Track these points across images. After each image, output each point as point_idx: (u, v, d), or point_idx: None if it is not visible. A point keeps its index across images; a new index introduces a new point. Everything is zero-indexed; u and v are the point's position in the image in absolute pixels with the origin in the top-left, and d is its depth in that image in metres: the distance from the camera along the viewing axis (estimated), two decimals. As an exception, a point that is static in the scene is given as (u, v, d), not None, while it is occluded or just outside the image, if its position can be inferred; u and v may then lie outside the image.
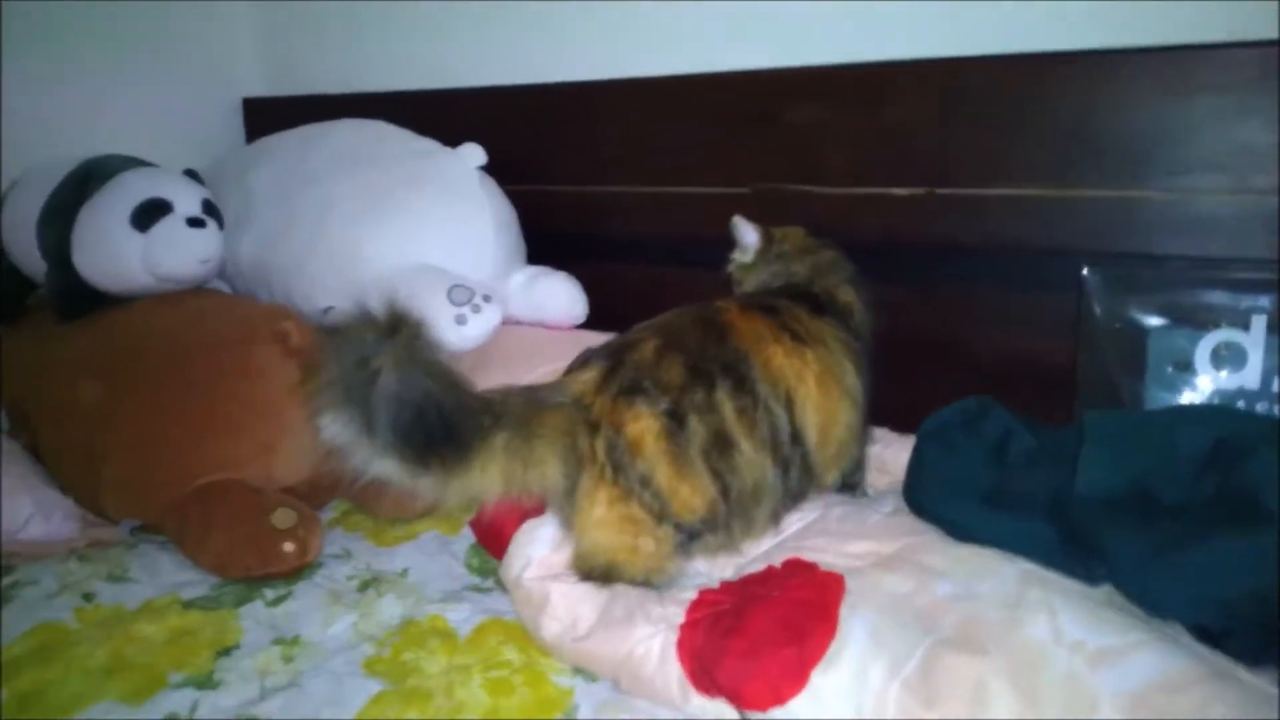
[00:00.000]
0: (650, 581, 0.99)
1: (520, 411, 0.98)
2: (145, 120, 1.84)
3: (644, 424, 0.97)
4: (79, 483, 1.28)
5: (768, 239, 1.26)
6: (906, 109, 1.32)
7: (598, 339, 1.37)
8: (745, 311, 1.08)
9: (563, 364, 1.32)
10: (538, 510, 1.08)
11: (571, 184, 1.63)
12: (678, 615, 0.92)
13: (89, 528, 1.28)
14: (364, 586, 1.13)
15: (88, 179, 1.37)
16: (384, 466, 0.93)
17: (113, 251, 1.35)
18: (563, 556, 1.03)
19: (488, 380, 1.35)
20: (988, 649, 0.80)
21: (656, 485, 0.97)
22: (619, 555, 0.98)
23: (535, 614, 0.99)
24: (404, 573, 1.17)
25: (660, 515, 0.97)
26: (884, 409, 1.25)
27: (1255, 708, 0.73)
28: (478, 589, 1.14)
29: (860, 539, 1.02)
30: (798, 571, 0.96)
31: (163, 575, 1.16)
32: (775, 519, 1.06)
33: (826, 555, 1.00)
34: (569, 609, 0.97)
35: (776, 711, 0.82)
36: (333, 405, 0.91)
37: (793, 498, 1.07)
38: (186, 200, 1.38)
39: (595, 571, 1.00)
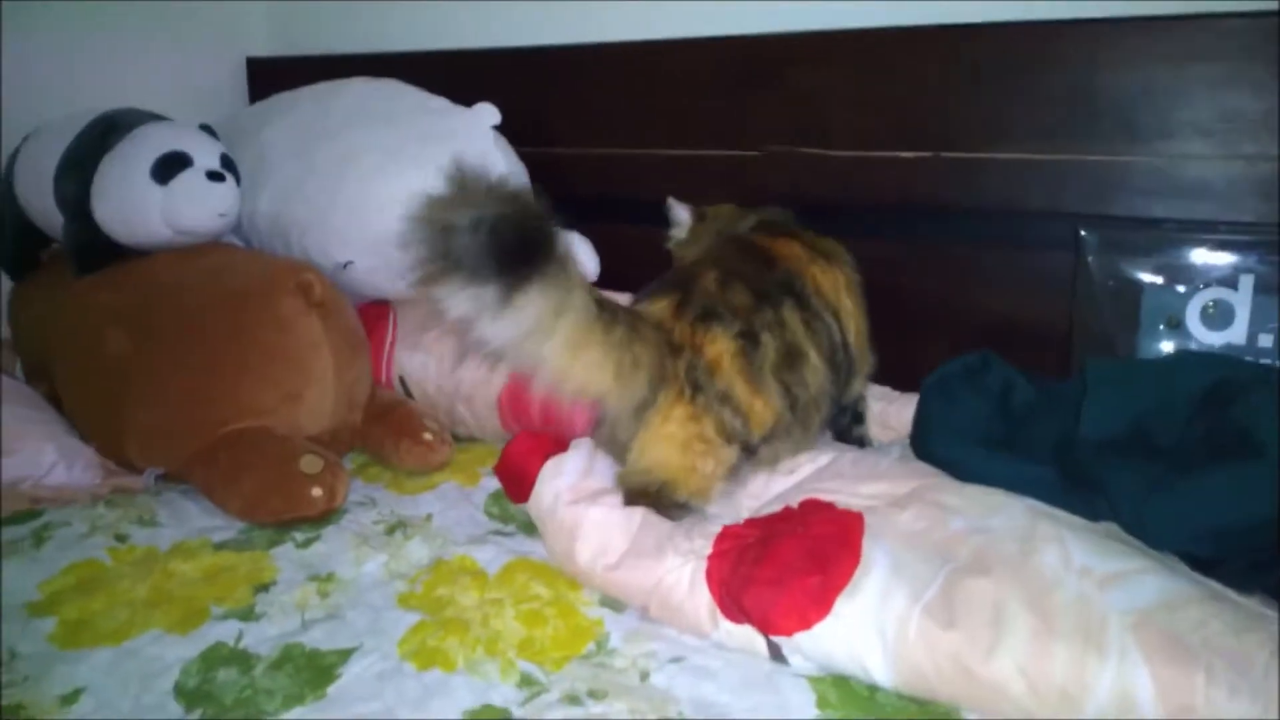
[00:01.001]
0: (690, 505, 1.05)
1: (630, 316, 1.04)
2: (149, 79, 1.84)
3: (721, 345, 1.04)
4: (102, 431, 1.30)
5: (700, 217, 1.36)
6: (912, 74, 1.37)
7: (611, 298, 1.41)
8: (777, 238, 1.19)
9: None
10: (560, 448, 1.14)
11: (578, 146, 1.66)
12: (705, 547, 0.97)
13: (110, 476, 1.30)
14: (391, 530, 1.17)
15: (108, 131, 1.38)
16: (516, 320, 0.93)
17: (133, 203, 1.36)
18: (592, 483, 1.07)
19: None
20: (1003, 575, 0.86)
21: (735, 401, 1.04)
22: (678, 474, 1.04)
23: (568, 542, 1.03)
24: (428, 518, 1.20)
25: (731, 434, 1.04)
26: (886, 367, 1.30)
27: (1251, 623, 0.79)
28: (500, 533, 1.17)
29: (873, 481, 1.07)
30: (817, 510, 1.01)
31: (190, 520, 1.19)
32: (823, 426, 1.18)
33: (841, 496, 1.05)
34: (600, 536, 1.02)
35: (801, 635, 0.87)
36: (449, 275, 0.91)
37: (838, 405, 1.20)
38: (205, 154, 1.39)
39: (648, 488, 1.04)
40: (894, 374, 1.33)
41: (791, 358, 1.08)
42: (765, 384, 1.05)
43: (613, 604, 1.01)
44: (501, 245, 0.91)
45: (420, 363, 1.43)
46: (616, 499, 1.06)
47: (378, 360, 1.45)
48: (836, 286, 1.17)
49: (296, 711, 0.82)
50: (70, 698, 0.83)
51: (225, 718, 0.81)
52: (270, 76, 1.97)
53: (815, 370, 1.10)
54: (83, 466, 1.28)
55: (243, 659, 0.89)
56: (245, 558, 1.09)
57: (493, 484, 1.29)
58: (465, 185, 0.93)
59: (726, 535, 0.98)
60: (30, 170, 1.50)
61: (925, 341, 1.36)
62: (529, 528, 1.17)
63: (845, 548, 0.91)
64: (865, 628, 0.85)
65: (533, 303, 0.93)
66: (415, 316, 1.47)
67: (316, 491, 1.16)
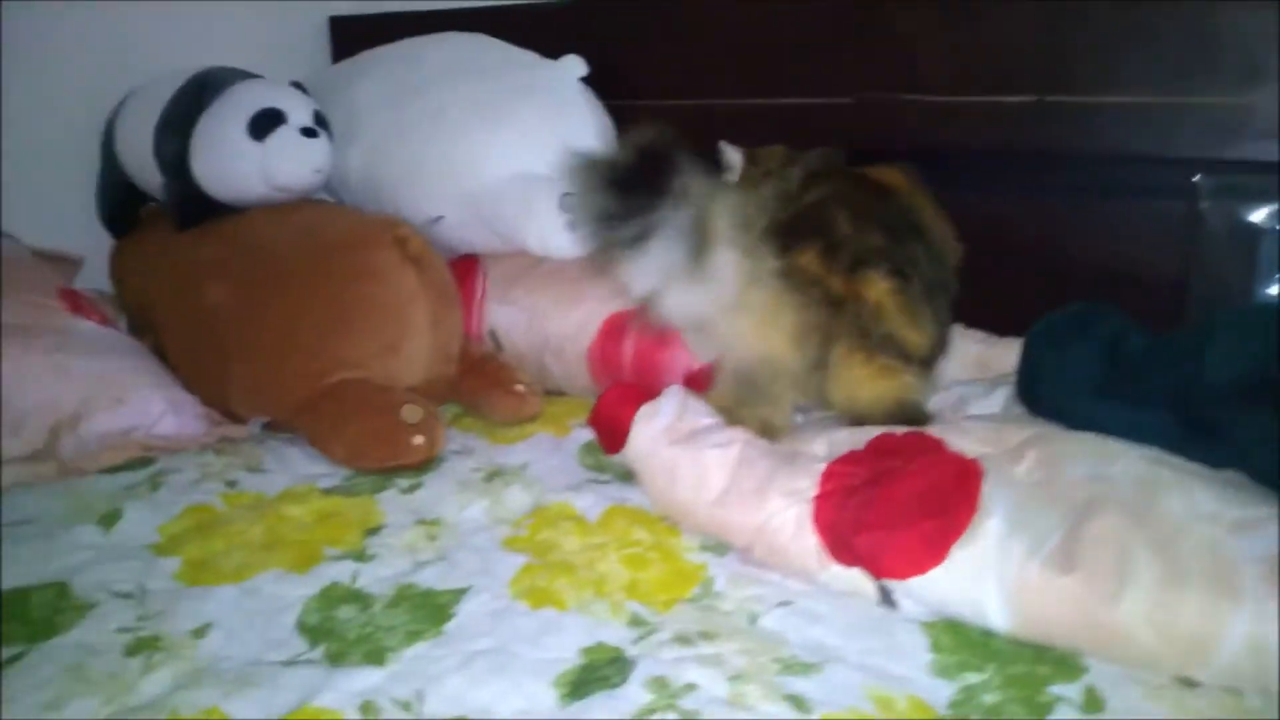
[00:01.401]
0: (920, 415, 1.13)
1: (797, 278, 1.09)
2: (234, 39, 1.85)
3: (879, 288, 1.10)
4: (206, 382, 1.33)
5: (751, 160, 1.37)
6: (1015, 15, 1.32)
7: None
8: (880, 170, 1.22)
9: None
10: (652, 397, 1.14)
11: (663, 98, 1.64)
12: (809, 488, 0.96)
13: (215, 425, 1.33)
14: (489, 478, 1.18)
15: (203, 89, 1.40)
16: (707, 289, 1.01)
17: (230, 160, 1.39)
18: (687, 424, 1.08)
19: (596, 286, 1.39)
20: (1127, 521, 0.83)
21: (900, 339, 1.11)
22: (891, 398, 1.12)
23: (667, 482, 1.04)
24: (524, 466, 1.21)
25: (907, 360, 1.12)
26: (986, 316, 1.27)
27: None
28: (596, 481, 1.18)
29: (980, 430, 1.05)
30: (925, 449, 0.99)
31: (296, 467, 1.22)
32: None
33: (949, 439, 1.03)
34: (699, 473, 1.02)
35: (916, 580, 0.86)
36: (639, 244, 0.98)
37: None
38: (299, 111, 1.41)
39: (876, 418, 1.10)
40: (992, 323, 1.30)
41: (932, 291, 1.14)
42: (923, 316, 1.12)
43: (715, 548, 1.01)
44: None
45: (510, 316, 1.44)
46: (714, 438, 1.06)
47: (468, 314, 1.46)
48: (934, 217, 1.22)
49: (417, 647, 0.83)
50: (200, 631, 0.86)
51: (350, 651, 0.82)
52: (352, 34, 1.98)
53: (946, 304, 1.17)
54: (190, 416, 1.32)
55: (360, 598, 0.91)
56: (353, 503, 1.11)
57: (584, 435, 1.30)
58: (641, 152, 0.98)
59: (832, 475, 0.97)
60: (129, 130, 1.53)
61: (1027, 292, 1.32)
62: (625, 476, 1.18)
63: (963, 494, 0.89)
64: (983, 574, 0.84)
65: (727, 270, 0.98)
66: (505, 271, 1.47)
67: (418, 439, 1.18)
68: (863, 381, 1.11)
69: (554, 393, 1.44)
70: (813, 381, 1.13)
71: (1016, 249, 1.35)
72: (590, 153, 0.99)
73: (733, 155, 1.39)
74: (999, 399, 1.20)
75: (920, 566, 0.86)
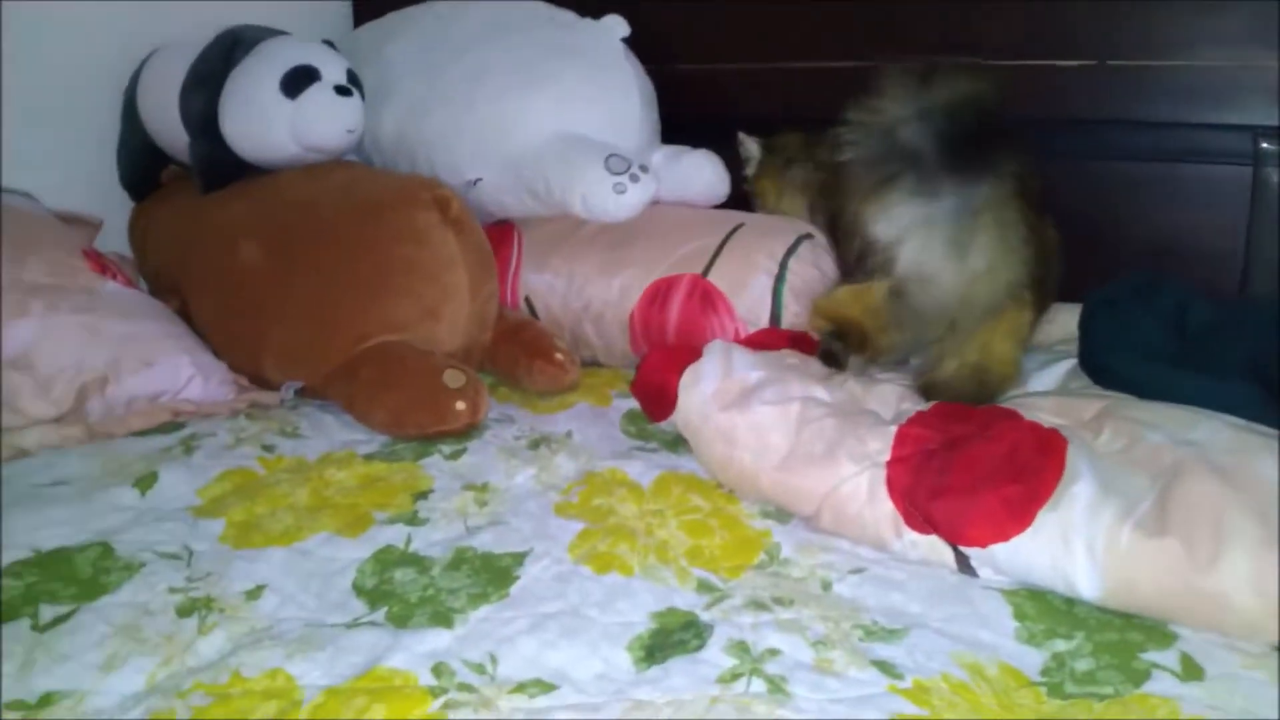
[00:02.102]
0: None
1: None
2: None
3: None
4: (238, 346, 1.29)
5: (769, 149, 1.40)
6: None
7: (742, 217, 1.36)
8: None
9: (713, 240, 1.33)
10: (694, 357, 1.12)
11: (702, 62, 1.60)
12: (882, 452, 0.93)
13: (243, 391, 1.29)
14: (534, 445, 1.14)
15: (234, 46, 1.36)
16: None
17: (262, 118, 1.34)
18: (735, 383, 1.05)
19: (638, 252, 1.35)
20: (1221, 485, 0.80)
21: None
22: (1008, 368, 1.10)
23: (725, 449, 1.00)
24: (569, 434, 1.18)
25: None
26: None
27: None
28: (643, 449, 1.15)
29: (1050, 404, 1.02)
30: (1002, 417, 0.96)
31: (332, 433, 1.18)
32: None
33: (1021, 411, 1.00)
34: (759, 438, 0.99)
35: (998, 547, 0.83)
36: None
37: None
38: (333, 69, 1.37)
39: (967, 384, 1.08)
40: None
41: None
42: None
43: (776, 515, 0.98)
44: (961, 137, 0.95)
45: (547, 283, 1.40)
46: (767, 396, 1.03)
47: (503, 280, 1.42)
48: None
49: (484, 610, 0.80)
50: (253, 593, 0.82)
51: (414, 613, 0.79)
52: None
53: None
54: (217, 382, 1.28)
55: (416, 560, 0.88)
56: (397, 468, 1.08)
57: (626, 405, 1.27)
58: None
59: (906, 439, 0.94)
60: (153, 89, 1.49)
61: (1083, 260, 1.29)
62: (672, 444, 1.15)
63: (1047, 459, 0.86)
64: (1071, 540, 0.80)
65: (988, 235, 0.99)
66: (541, 237, 1.43)
67: (460, 405, 1.14)
68: (1007, 335, 1.09)
69: (590, 363, 1.41)
70: (974, 327, 1.10)
71: (1072, 215, 1.31)
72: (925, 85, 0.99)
73: (751, 146, 1.41)
74: (1060, 370, 1.17)
75: (1003, 533, 0.83)
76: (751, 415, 1.01)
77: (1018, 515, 0.83)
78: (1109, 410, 0.97)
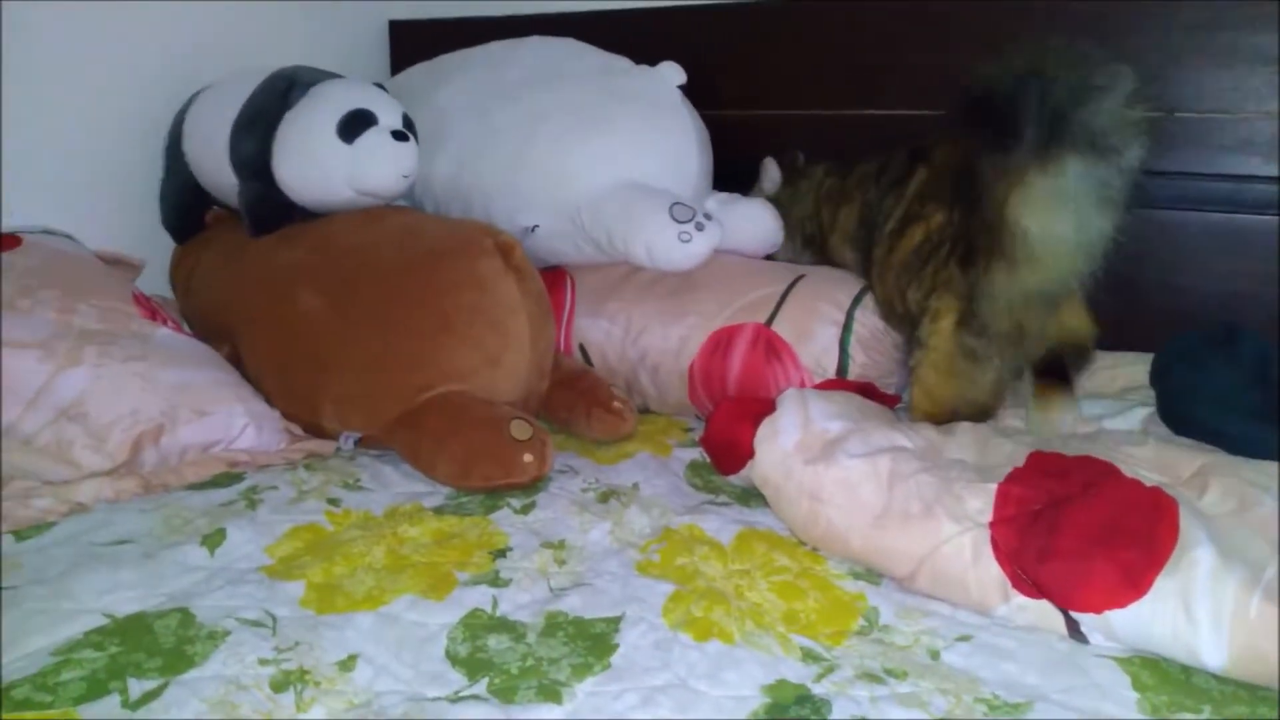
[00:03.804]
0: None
1: None
2: (291, 42, 1.81)
3: None
4: (295, 394, 1.26)
5: (799, 174, 1.48)
6: (1142, 33, 1.28)
7: (801, 269, 1.35)
8: None
9: (776, 289, 1.31)
10: (766, 409, 1.10)
11: (750, 108, 1.59)
12: (984, 511, 0.90)
13: (295, 440, 1.26)
14: (604, 498, 1.12)
15: (290, 88, 1.34)
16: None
17: (317, 162, 1.32)
18: (817, 436, 1.03)
19: (698, 300, 1.33)
20: (1350, 553, 0.78)
21: None
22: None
23: (811, 506, 0.98)
24: (635, 487, 1.15)
25: None
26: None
27: None
28: (714, 504, 1.12)
29: (1145, 455, 1.00)
30: (1100, 472, 0.94)
31: (393, 485, 1.15)
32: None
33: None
34: (849, 495, 0.96)
35: (1113, 613, 0.80)
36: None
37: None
38: (389, 113, 1.35)
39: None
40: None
41: None
42: None
43: (866, 575, 0.95)
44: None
45: (603, 330, 1.38)
46: (853, 448, 1.01)
47: (557, 327, 1.40)
48: None
49: (589, 682, 0.77)
50: (347, 663, 0.79)
51: (518, 686, 0.76)
52: (413, 39, 1.93)
53: None
54: (271, 430, 1.25)
55: (508, 626, 0.85)
56: (469, 523, 1.05)
57: (687, 455, 1.25)
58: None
59: (1007, 498, 0.91)
60: (200, 129, 1.47)
61: (1138, 312, 1.28)
62: (743, 498, 1.12)
63: (1159, 522, 0.84)
64: (1193, 608, 0.78)
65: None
66: (595, 283, 1.41)
67: (528, 457, 1.12)
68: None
69: (642, 410, 1.39)
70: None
71: (1127, 266, 1.30)
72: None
73: (774, 172, 1.49)
74: (1137, 417, 1.15)
75: (1119, 599, 0.80)
76: (838, 469, 0.99)
77: (1134, 581, 0.80)
78: (1210, 468, 0.95)
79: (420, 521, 1.04)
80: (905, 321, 1.24)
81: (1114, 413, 1.18)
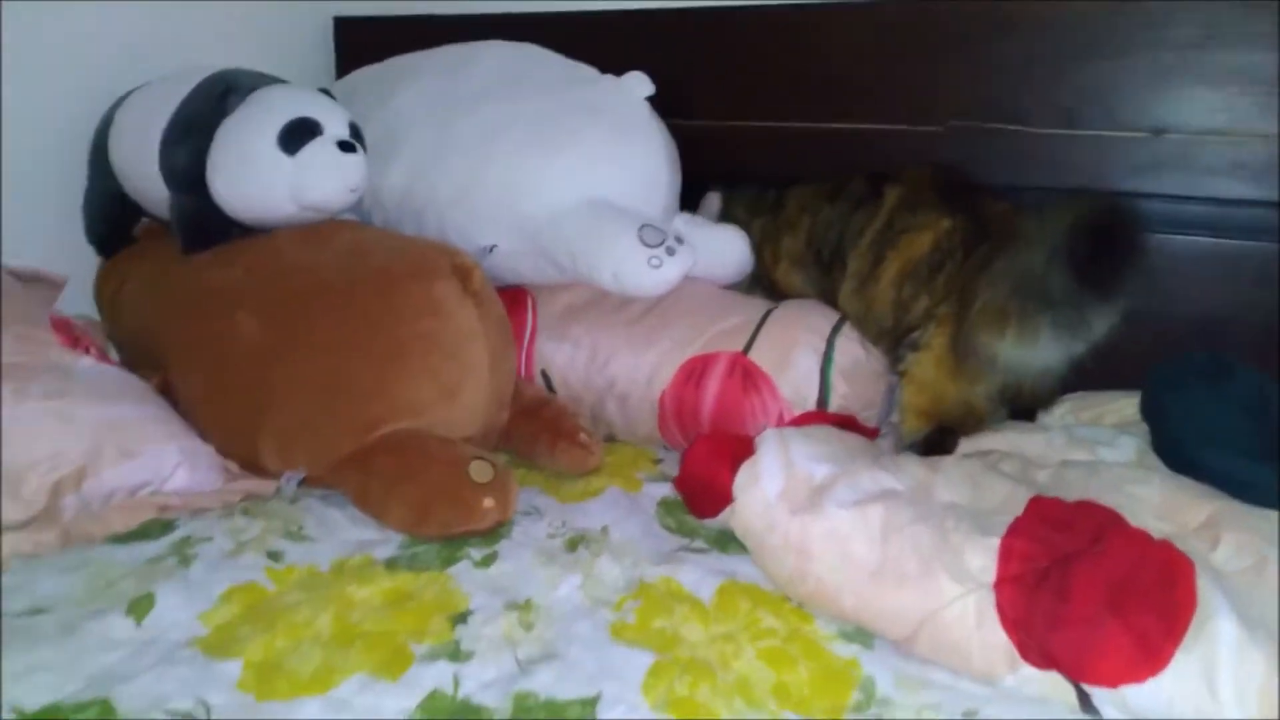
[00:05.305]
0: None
1: None
2: (230, 39, 1.69)
3: None
4: (228, 430, 1.16)
5: (728, 205, 1.45)
6: (1132, 49, 1.23)
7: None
8: None
9: (752, 316, 1.24)
10: (744, 447, 1.04)
11: (723, 118, 1.52)
12: (986, 570, 0.84)
13: (233, 478, 1.16)
14: (572, 545, 1.04)
15: (226, 93, 1.23)
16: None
17: (256, 175, 1.22)
18: (802, 481, 0.97)
19: (670, 326, 1.26)
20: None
21: None
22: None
23: (799, 562, 0.92)
24: (605, 530, 1.07)
25: None
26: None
27: None
28: (691, 550, 1.05)
29: (1151, 499, 0.95)
30: (1105, 522, 0.88)
31: (341, 531, 1.06)
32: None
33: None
34: (839, 550, 0.90)
35: (1130, 688, 0.75)
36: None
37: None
38: (335, 122, 1.25)
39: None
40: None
41: None
42: None
43: (859, 637, 0.88)
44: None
45: (568, 355, 1.29)
46: (841, 495, 0.95)
47: (518, 350, 1.31)
48: None
49: (567, 783, 0.69)
50: (293, 764, 0.70)
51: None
52: (360, 38, 1.82)
53: None
54: (206, 468, 1.14)
55: (473, 711, 0.76)
56: (425, 580, 0.96)
57: (658, 490, 1.18)
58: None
59: (1010, 554, 0.85)
60: (128, 136, 1.35)
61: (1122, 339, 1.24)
62: (721, 542, 1.05)
63: (1175, 585, 0.79)
64: (1216, 684, 0.73)
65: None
66: (560, 304, 1.33)
67: (489, 502, 1.03)
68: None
69: (607, 439, 1.31)
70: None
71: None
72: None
73: (715, 205, 1.45)
74: (1129, 448, 1.10)
75: (1135, 673, 0.75)
76: (826, 521, 0.92)
77: (1152, 654, 0.75)
78: (1220, 518, 0.90)
79: (370, 579, 0.95)
80: (895, 336, 1.19)
81: (1108, 440, 1.13)
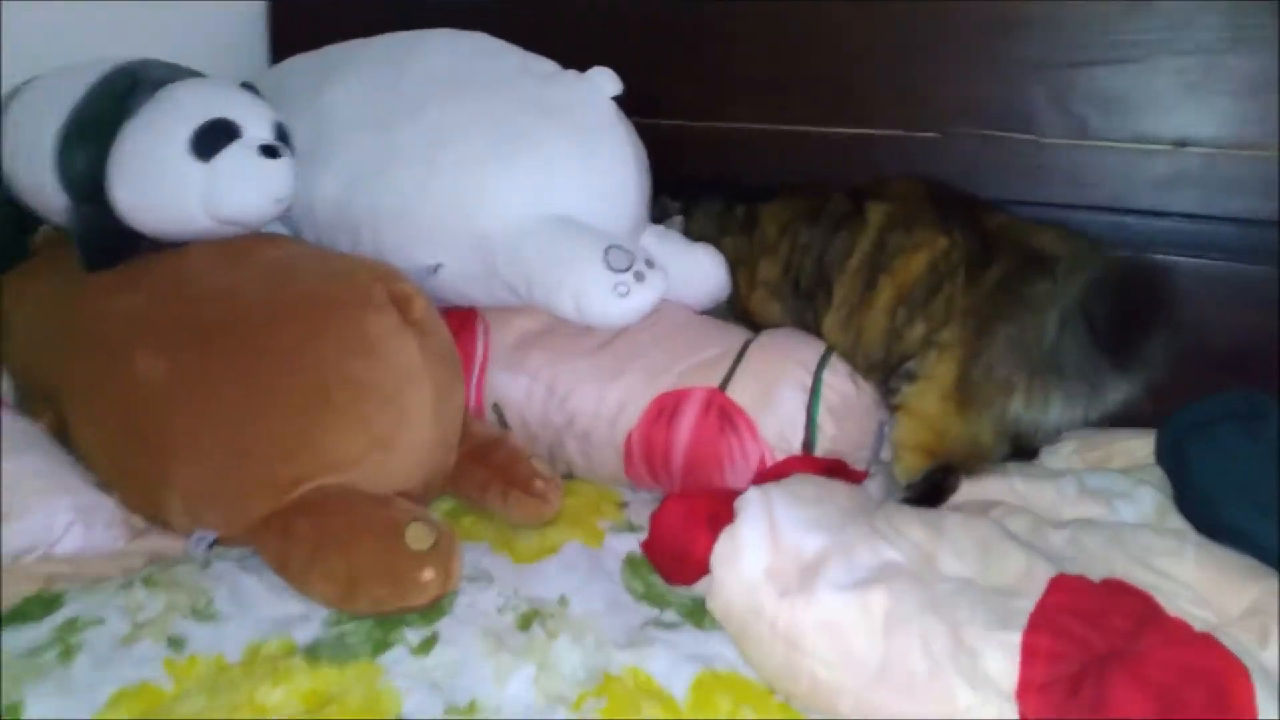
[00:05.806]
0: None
1: None
2: (152, 24, 1.53)
3: None
4: (130, 482, 1.01)
5: (687, 213, 1.31)
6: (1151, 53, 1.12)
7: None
8: None
9: (730, 346, 1.12)
10: (720, 506, 0.92)
11: (695, 119, 1.38)
12: (1006, 675, 0.72)
13: (137, 536, 1.01)
14: (524, 624, 0.90)
15: (130, 89, 1.07)
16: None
17: (164, 184, 1.06)
18: (788, 554, 0.85)
19: (639, 357, 1.13)
20: None
21: None
22: None
23: (789, 655, 0.80)
24: (563, 602, 0.94)
25: None
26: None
27: None
28: (661, 624, 0.92)
29: (1186, 576, 0.83)
30: (1138, 610, 0.77)
31: (257, 606, 0.92)
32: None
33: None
34: (836, 645, 0.78)
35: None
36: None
37: None
38: (257, 122, 1.09)
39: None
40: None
41: None
42: None
43: (857, 746, 0.76)
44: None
45: (524, 389, 1.15)
46: (835, 575, 0.83)
47: (465, 381, 1.17)
48: None
49: None
50: None
51: None
52: (297, 21, 1.66)
53: None
54: (102, 525, 0.99)
55: None
56: (351, 674, 0.82)
57: (623, 545, 1.05)
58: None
59: (1034, 654, 0.73)
60: (22, 135, 1.18)
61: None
62: (696, 615, 0.93)
63: (1227, 704, 0.67)
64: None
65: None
66: (514, 330, 1.18)
67: (428, 574, 0.89)
68: None
69: (566, 477, 1.17)
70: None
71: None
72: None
73: (676, 224, 1.31)
74: (1147, 502, 0.99)
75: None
76: (820, 610, 0.80)
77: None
78: (1265, 605, 0.79)
79: (287, 676, 0.81)
80: (887, 367, 1.08)
81: (1123, 492, 1.02)
